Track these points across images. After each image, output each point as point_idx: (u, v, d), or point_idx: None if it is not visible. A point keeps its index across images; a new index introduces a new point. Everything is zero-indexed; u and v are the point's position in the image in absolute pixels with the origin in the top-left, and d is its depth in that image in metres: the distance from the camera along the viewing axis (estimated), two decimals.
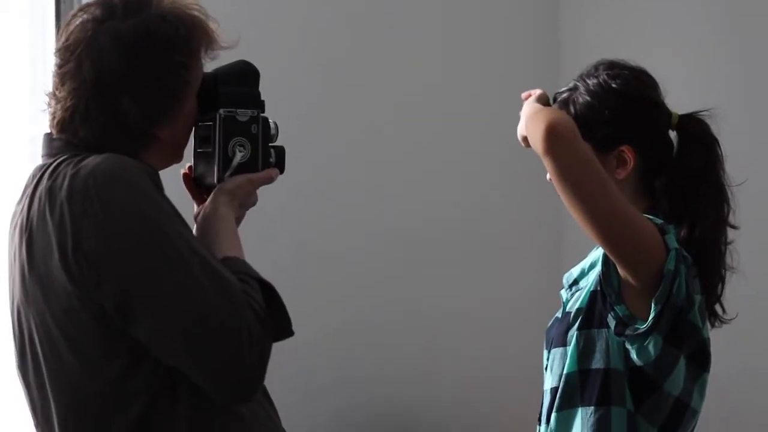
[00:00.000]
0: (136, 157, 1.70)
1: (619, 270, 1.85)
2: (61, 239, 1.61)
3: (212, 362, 1.60)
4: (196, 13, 1.76)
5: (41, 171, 1.70)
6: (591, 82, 1.98)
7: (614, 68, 1.99)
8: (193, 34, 1.75)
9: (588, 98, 1.97)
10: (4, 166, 2.96)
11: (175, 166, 1.83)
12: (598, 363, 1.89)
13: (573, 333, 1.92)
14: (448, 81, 3.75)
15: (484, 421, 3.72)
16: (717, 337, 1.96)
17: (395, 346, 3.61)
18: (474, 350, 3.73)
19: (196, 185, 1.88)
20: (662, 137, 1.98)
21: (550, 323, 2.03)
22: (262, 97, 1.84)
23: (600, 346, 1.89)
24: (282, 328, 1.68)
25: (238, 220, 1.81)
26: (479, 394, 3.72)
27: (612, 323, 1.86)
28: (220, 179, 1.80)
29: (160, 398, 1.63)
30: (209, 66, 1.81)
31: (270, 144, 1.85)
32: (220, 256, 1.68)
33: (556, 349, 1.96)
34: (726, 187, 1.96)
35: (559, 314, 2.01)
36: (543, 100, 1.98)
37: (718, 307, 1.96)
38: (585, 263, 2.00)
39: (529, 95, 2.00)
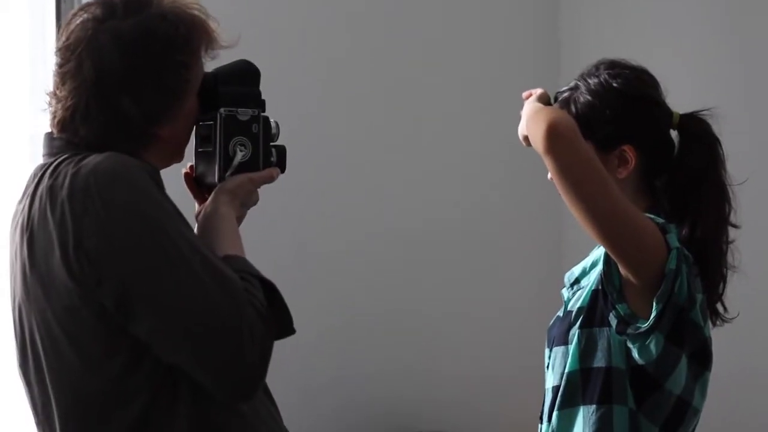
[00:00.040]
0: (137, 156, 1.70)
1: (621, 269, 1.85)
2: (62, 237, 1.61)
3: (213, 360, 1.60)
4: (196, 12, 1.77)
5: (42, 170, 1.71)
6: (592, 81, 1.98)
7: (615, 67, 1.99)
8: (194, 34, 1.75)
9: (589, 97, 1.97)
10: (5, 165, 2.96)
11: (176, 165, 1.83)
12: (599, 362, 1.89)
13: (574, 332, 1.92)
14: (448, 81, 3.75)
15: (485, 419, 3.73)
16: (718, 336, 1.96)
17: (396, 344, 3.61)
18: (475, 349, 3.74)
19: (197, 184, 1.88)
20: (663, 137, 1.98)
21: (551, 322, 2.03)
22: (263, 97, 1.84)
23: (601, 344, 1.89)
24: (283, 326, 1.68)
25: (240, 219, 1.81)
26: (480, 393, 3.72)
27: (613, 322, 1.86)
28: (221, 178, 1.80)
29: (161, 396, 1.63)
30: (210, 65, 1.81)
31: (271, 143, 1.85)
32: (222, 255, 1.68)
33: (558, 347, 1.96)
34: (727, 186, 1.96)
35: (560, 313, 2.01)
36: (544, 100, 1.98)
37: (719, 306, 1.96)
38: (586, 262, 2.00)
39: (530, 94, 2.00)
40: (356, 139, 3.58)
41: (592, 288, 1.93)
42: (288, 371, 2.95)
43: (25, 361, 1.72)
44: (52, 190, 1.64)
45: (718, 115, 1.99)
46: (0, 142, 2.99)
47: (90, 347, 1.64)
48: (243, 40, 1.82)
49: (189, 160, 1.87)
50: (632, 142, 1.94)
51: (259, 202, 1.86)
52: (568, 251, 3.61)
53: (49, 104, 1.75)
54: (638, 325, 1.84)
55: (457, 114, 3.76)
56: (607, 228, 1.80)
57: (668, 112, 1.98)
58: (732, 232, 1.96)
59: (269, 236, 3.23)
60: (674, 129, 1.99)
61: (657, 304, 1.82)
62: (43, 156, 1.76)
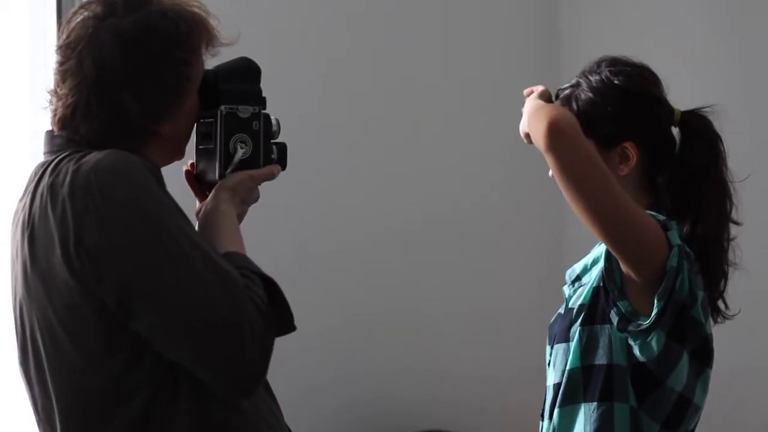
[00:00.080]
0: (138, 153, 1.70)
1: (622, 266, 1.85)
2: (63, 235, 1.61)
3: (214, 357, 1.60)
4: (196, 9, 1.77)
5: (43, 168, 1.71)
6: (593, 78, 1.98)
7: (617, 65, 1.99)
8: (194, 31, 1.75)
9: (590, 95, 1.97)
10: (6, 163, 2.96)
11: (177, 163, 1.83)
12: (600, 359, 1.89)
13: (576, 329, 1.92)
14: (448, 81, 3.75)
15: (486, 417, 3.72)
16: (719, 333, 1.96)
17: (397, 342, 3.61)
18: (475, 348, 3.73)
19: (198, 182, 1.88)
20: (665, 134, 1.98)
21: (552, 319, 2.03)
22: (263, 95, 1.84)
23: (603, 342, 1.89)
24: (284, 322, 1.67)
25: (240, 216, 1.81)
26: (481, 391, 3.72)
27: (615, 319, 1.86)
28: (222, 176, 1.79)
29: (162, 392, 1.63)
30: (210, 63, 1.81)
31: (272, 140, 1.85)
32: (222, 252, 1.68)
33: (559, 345, 1.96)
34: (728, 183, 1.96)
35: (561, 310, 2.01)
36: (545, 97, 1.98)
37: (720, 303, 1.96)
38: (588, 259, 2.00)
39: (532, 91, 2.00)
40: (356, 138, 3.59)
41: (594, 285, 1.93)
42: (289, 368, 2.94)
43: (26, 359, 1.72)
44: (53, 187, 1.64)
45: (719, 112, 1.99)
46: (1, 140, 2.99)
47: (90, 345, 1.64)
48: (243, 40, 1.82)
49: (190, 157, 1.87)
50: (634, 139, 1.94)
51: (259, 202, 1.86)
52: (568, 251, 3.61)
53: (50, 102, 1.75)
54: (639, 322, 1.84)
55: (457, 114, 3.76)
56: (609, 225, 1.80)
57: (669, 109, 1.98)
58: (733, 229, 1.96)
59: (270, 233, 3.22)
60: (675, 126, 1.98)
61: (658, 301, 1.82)
62: (44, 154, 1.76)
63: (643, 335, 1.84)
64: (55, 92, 1.74)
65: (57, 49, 1.75)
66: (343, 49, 3.57)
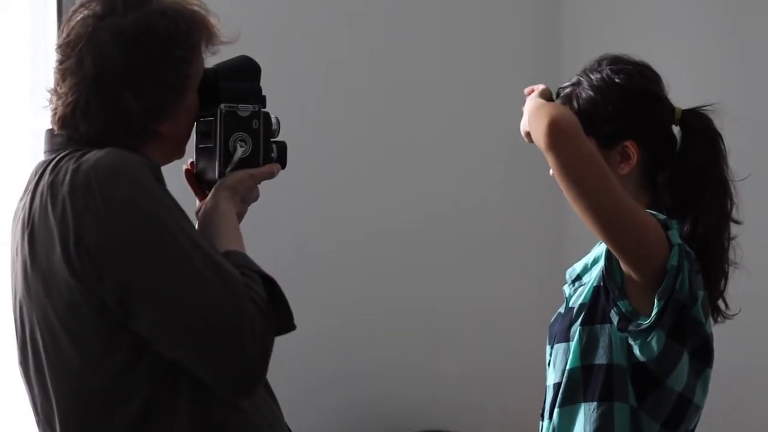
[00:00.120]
0: (138, 152, 1.70)
1: (622, 265, 1.84)
2: (63, 234, 1.61)
3: (214, 356, 1.60)
4: (196, 8, 1.77)
5: (43, 167, 1.71)
6: (594, 77, 1.98)
7: (617, 63, 1.98)
8: (194, 29, 1.75)
9: (591, 93, 1.97)
10: (6, 162, 2.97)
11: (177, 162, 1.83)
12: (601, 358, 1.89)
13: (576, 328, 1.92)
14: (448, 81, 3.75)
15: (486, 417, 3.72)
16: (719, 333, 1.96)
17: (397, 341, 3.61)
18: (475, 348, 3.74)
19: (197, 181, 1.87)
20: (665, 132, 1.97)
21: (552, 319, 2.03)
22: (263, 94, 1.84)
23: (603, 341, 1.89)
24: (284, 321, 1.67)
25: (240, 215, 1.81)
26: (481, 391, 3.72)
27: (615, 319, 1.86)
28: (221, 174, 1.79)
29: (162, 392, 1.63)
30: (210, 62, 1.81)
31: (272, 139, 1.85)
32: (222, 251, 1.68)
33: (559, 344, 1.95)
34: (729, 182, 1.95)
35: (561, 310, 2.00)
36: (546, 96, 1.97)
37: (721, 303, 1.95)
38: (588, 258, 1.99)
39: (532, 90, 1.99)
40: (356, 138, 3.59)
41: (594, 284, 1.92)
42: (289, 367, 2.94)
43: (26, 358, 1.72)
44: (53, 186, 1.64)
45: (719, 111, 1.99)
46: (1, 139, 2.99)
47: (90, 344, 1.63)
48: (243, 39, 1.82)
49: (189, 156, 1.87)
50: (634, 137, 1.94)
51: (259, 201, 1.86)
52: (568, 251, 3.61)
53: (50, 101, 1.75)
54: (640, 321, 1.83)
55: (457, 114, 3.76)
56: (609, 224, 1.80)
57: (670, 108, 1.98)
58: (734, 229, 1.96)
59: (270, 232, 3.22)
60: (676, 124, 1.98)
61: (658, 300, 1.81)
62: (44, 153, 1.76)
63: (643, 335, 1.84)
64: (55, 91, 1.74)
65: (57, 48, 1.75)
66: (343, 49, 3.58)
